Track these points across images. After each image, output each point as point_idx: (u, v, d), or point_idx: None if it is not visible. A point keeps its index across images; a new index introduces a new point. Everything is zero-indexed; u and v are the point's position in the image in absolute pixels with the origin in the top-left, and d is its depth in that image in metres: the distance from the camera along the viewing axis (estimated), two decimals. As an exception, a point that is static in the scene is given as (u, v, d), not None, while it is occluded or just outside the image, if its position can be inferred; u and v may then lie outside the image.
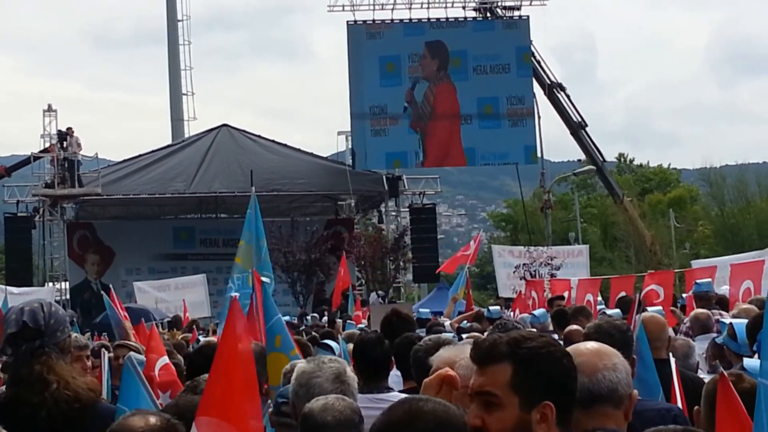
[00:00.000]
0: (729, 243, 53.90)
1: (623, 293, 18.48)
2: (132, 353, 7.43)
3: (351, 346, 9.18)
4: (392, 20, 49.46)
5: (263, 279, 12.81)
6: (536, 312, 16.66)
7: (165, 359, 8.67)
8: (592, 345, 4.61)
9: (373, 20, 49.48)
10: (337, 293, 26.37)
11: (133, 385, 4.92)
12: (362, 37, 49.35)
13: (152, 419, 3.97)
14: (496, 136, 48.87)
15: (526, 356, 3.54)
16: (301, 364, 6.09)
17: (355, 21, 49.53)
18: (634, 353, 6.44)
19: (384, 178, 48.65)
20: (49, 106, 48.24)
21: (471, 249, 27.75)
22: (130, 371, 4.92)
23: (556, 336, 12.79)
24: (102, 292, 16.94)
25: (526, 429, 3.49)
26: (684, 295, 17.62)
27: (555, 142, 79.89)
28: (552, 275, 32.24)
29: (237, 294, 4.56)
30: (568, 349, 4.39)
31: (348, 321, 21.83)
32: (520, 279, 33.33)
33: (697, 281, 15.35)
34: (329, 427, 4.86)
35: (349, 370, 6.09)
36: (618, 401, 4.31)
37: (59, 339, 5.29)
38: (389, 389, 7.57)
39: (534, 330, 11.43)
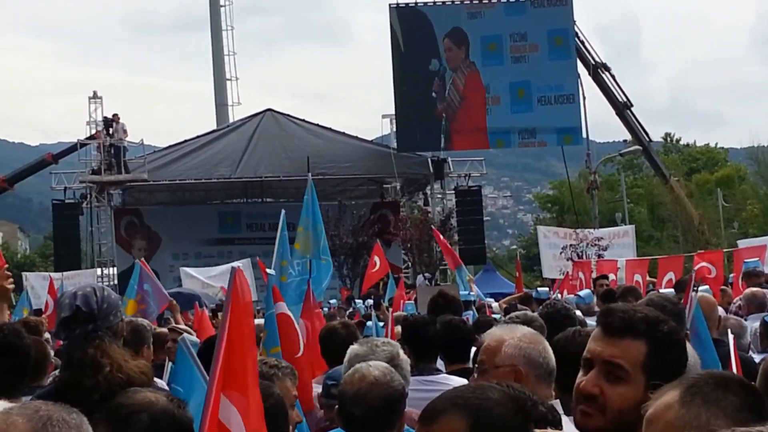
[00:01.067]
0: (778, 222, 53.56)
1: (671, 273, 18.39)
2: (186, 335, 7.45)
3: (399, 328, 9.16)
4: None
5: (323, 260, 12.95)
6: (581, 293, 16.59)
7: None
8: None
9: (416, 2, 49.38)
10: (369, 281, 26.20)
11: (187, 366, 4.93)
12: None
13: (160, 395, 4.06)
14: (528, 119, 48.78)
15: (662, 338, 3.54)
16: (354, 346, 6.12)
17: (398, 3, 49.42)
18: (689, 331, 6.40)
19: (429, 160, 48.59)
20: (95, 92, 48.53)
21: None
22: (184, 352, 4.93)
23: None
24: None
25: (641, 410, 3.37)
26: (732, 275, 17.50)
27: (600, 122, 79.39)
28: (599, 256, 32.07)
29: (239, 266, 4.50)
30: None
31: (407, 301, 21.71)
32: (567, 260, 33.20)
33: (746, 260, 15.26)
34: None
35: (402, 353, 6.10)
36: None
37: (112, 323, 5.31)
38: (438, 371, 7.57)
39: (578, 312, 11.47)
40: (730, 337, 6.74)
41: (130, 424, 3.86)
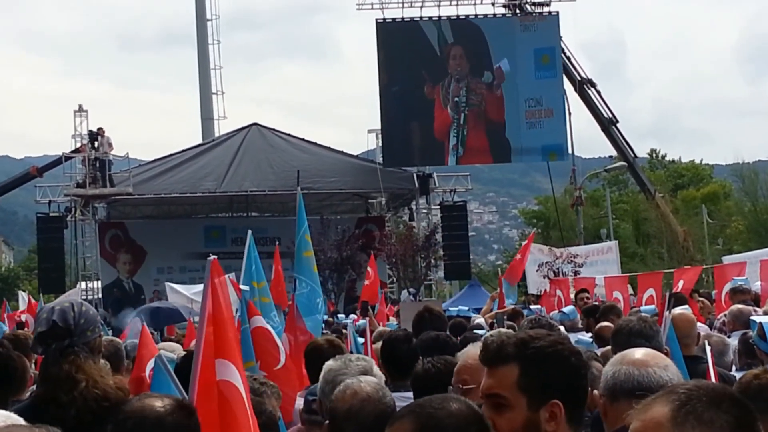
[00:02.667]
0: (762, 238, 53.60)
1: (651, 290, 18.43)
2: (162, 351, 7.44)
3: (379, 344, 9.16)
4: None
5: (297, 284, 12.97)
6: (565, 309, 16.60)
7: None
8: (645, 350, 4.69)
9: (402, 18, 49.47)
10: (370, 289, 26.24)
11: (164, 381, 4.95)
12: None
13: (167, 400, 4.02)
14: (516, 135, 48.95)
15: (533, 356, 3.57)
16: (329, 362, 6.13)
17: (384, 19, 49.49)
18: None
19: (414, 175, 48.65)
20: (80, 106, 48.42)
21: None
22: (161, 369, 4.94)
23: (587, 333, 12.78)
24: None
25: (535, 428, 3.51)
26: (714, 292, 17.57)
27: (586, 138, 79.61)
28: (576, 273, 32.22)
29: (215, 258, 4.79)
30: (618, 355, 4.43)
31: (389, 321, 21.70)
32: (543, 277, 33.34)
33: (735, 278, 15.29)
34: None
35: (376, 369, 6.11)
36: None
37: (89, 339, 5.31)
38: (415, 388, 7.55)
39: (561, 327, 11.49)
40: (708, 353, 6.76)
41: (120, 429, 3.89)
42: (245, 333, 8.39)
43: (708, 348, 7.08)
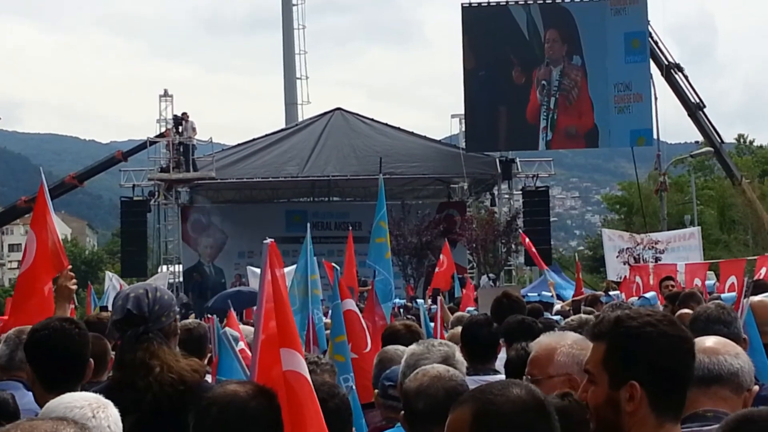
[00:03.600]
0: None
1: (733, 277, 18.18)
2: (227, 329, 7.50)
3: (459, 329, 9.14)
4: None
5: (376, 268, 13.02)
6: (647, 295, 16.47)
7: (241, 344, 8.77)
8: (716, 338, 4.65)
9: (488, 2, 49.27)
10: (436, 279, 26.26)
11: (227, 359, 4.99)
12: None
13: (248, 385, 4.07)
14: (604, 120, 48.59)
15: (621, 335, 3.60)
16: (411, 346, 6.15)
17: (470, 3, 49.29)
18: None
19: (497, 161, 48.44)
20: (165, 91, 49.01)
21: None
22: (225, 346, 4.98)
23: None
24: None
25: (615, 407, 3.56)
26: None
27: (672, 123, 78.84)
28: (657, 259, 31.96)
29: (272, 240, 4.83)
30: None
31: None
32: (624, 264, 33.12)
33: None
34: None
35: (458, 354, 6.12)
36: (737, 387, 4.30)
37: (164, 324, 5.37)
38: (495, 372, 7.54)
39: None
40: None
41: (204, 416, 3.94)
42: (336, 309, 8.47)
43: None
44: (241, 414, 3.89)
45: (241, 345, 8.75)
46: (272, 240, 4.81)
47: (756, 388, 4.35)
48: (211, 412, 3.91)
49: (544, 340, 5.04)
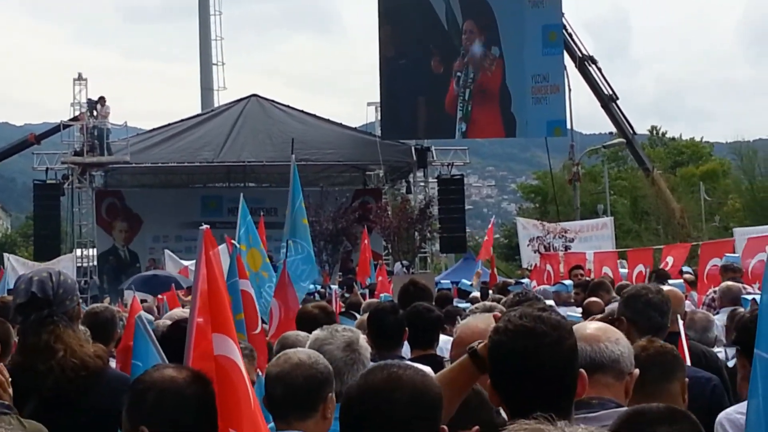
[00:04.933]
0: (758, 216, 53.57)
1: (641, 266, 18.49)
2: (142, 313, 7.48)
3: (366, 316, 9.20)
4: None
5: (289, 243, 13.04)
6: (566, 282, 16.67)
7: None
8: (597, 324, 4.69)
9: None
10: (364, 265, 26.37)
11: (143, 343, 5.00)
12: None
13: (183, 371, 4.07)
14: (522, 110, 48.90)
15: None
16: (316, 331, 6.15)
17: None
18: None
19: (413, 148, 48.56)
20: (80, 74, 48.39)
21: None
22: (141, 329, 4.98)
23: (578, 308, 12.84)
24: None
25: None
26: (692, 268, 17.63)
27: (586, 114, 79.57)
28: (566, 247, 32.33)
29: (207, 227, 4.79)
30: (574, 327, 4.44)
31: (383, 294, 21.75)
32: (534, 252, 33.46)
33: (727, 255, 15.33)
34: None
35: (362, 339, 6.12)
36: (619, 373, 4.35)
37: (68, 308, 5.35)
38: (402, 358, 7.58)
39: (549, 302, 11.57)
40: (681, 327, 6.84)
41: (140, 401, 3.90)
42: (234, 287, 8.44)
43: (681, 323, 7.15)
44: (178, 399, 3.88)
45: None
46: (207, 226, 4.81)
47: (637, 371, 4.43)
48: (148, 396, 3.88)
49: (472, 321, 5.11)
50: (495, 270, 24.89)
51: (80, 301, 5.60)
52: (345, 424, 3.45)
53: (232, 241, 9.85)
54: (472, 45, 49.17)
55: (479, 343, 4.08)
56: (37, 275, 5.36)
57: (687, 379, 5.31)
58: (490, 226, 30.89)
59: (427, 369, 5.60)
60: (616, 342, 4.40)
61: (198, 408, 3.93)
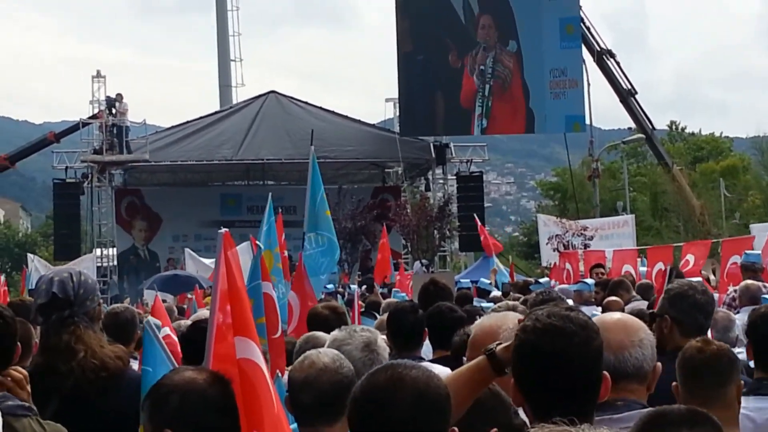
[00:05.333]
0: (778, 213, 53.45)
1: (661, 264, 18.39)
2: (150, 318, 7.47)
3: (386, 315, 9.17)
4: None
5: (309, 236, 13.00)
6: (588, 280, 16.60)
7: (166, 330, 8.70)
8: (618, 317, 4.60)
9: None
10: (382, 264, 26.34)
11: (152, 347, 4.99)
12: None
13: (203, 372, 4.04)
14: (540, 106, 48.79)
15: None
16: (334, 332, 6.14)
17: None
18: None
19: (431, 145, 48.50)
20: (98, 72, 48.47)
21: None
22: (150, 335, 4.98)
23: (598, 307, 12.80)
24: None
25: None
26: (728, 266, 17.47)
27: (605, 109, 79.41)
28: (585, 245, 32.20)
29: (227, 230, 4.80)
30: (596, 319, 4.40)
31: (394, 289, 21.74)
32: (553, 250, 33.36)
33: (746, 252, 15.18)
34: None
35: (380, 340, 6.10)
36: (643, 377, 4.33)
37: (88, 308, 5.37)
38: (421, 359, 7.55)
39: (569, 301, 11.54)
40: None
41: (163, 404, 3.87)
42: (257, 289, 8.38)
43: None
44: (200, 400, 3.84)
45: (167, 331, 8.70)
46: (227, 230, 4.80)
47: (659, 365, 4.39)
48: (171, 399, 3.84)
49: (486, 321, 5.06)
50: (513, 268, 24.86)
51: (101, 301, 5.60)
52: (351, 425, 3.44)
53: (257, 243, 9.81)
54: (489, 39, 49.05)
55: (497, 344, 4.07)
56: (58, 275, 5.37)
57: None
58: (479, 225, 30.91)
59: (446, 370, 5.60)
60: (640, 345, 4.34)
61: (220, 408, 3.92)
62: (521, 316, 4.56)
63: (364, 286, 25.92)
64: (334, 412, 4.74)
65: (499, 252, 28.97)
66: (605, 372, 3.74)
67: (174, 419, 3.83)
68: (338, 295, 22.48)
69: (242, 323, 4.50)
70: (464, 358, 4.98)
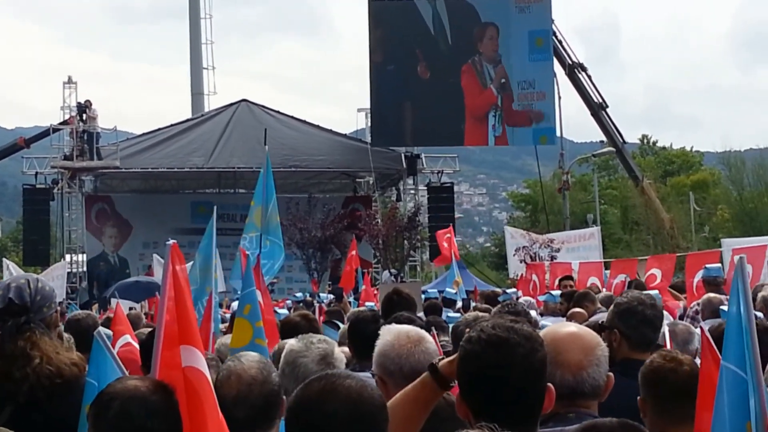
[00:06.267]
0: (747, 227, 53.70)
1: (623, 276, 18.49)
2: (101, 328, 7.47)
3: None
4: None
5: (251, 236, 12.98)
6: (554, 292, 16.69)
7: (127, 338, 8.70)
8: (572, 331, 4.55)
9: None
10: (347, 276, 26.37)
11: (102, 358, 4.99)
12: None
13: (146, 380, 4.07)
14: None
15: None
16: (291, 341, 6.13)
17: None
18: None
19: (402, 156, 48.57)
20: (69, 77, 48.36)
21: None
22: (99, 345, 4.98)
23: (563, 317, 12.88)
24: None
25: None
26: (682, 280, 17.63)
27: (577, 122, 79.73)
28: (552, 258, 32.34)
29: (174, 242, 4.80)
30: (546, 331, 4.41)
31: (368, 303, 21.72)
32: (520, 262, 33.48)
33: (707, 266, 15.29)
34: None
35: (337, 351, 6.10)
36: (599, 394, 4.35)
37: (45, 315, 5.34)
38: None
39: (533, 312, 11.60)
40: (667, 340, 6.84)
41: (105, 411, 3.88)
42: (252, 294, 8.37)
43: (667, 337, 7.15)
44: (142, 408, 3.87)
45: (127, 338, 8.69)
46: (174, 241, 4.83)
47: (611, 375, 4.39)
48: (113, 405, 3.87)
49: (386, 337, 5.10)
50: (475, 278, 24.96)
51: (58, 308, 5.60)
52: None
53: (247, 253, 9.81)
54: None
55: (440, 359, 4.09)
56: (15, 282, 5.35)
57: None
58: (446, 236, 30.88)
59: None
60: (597, 363, 4.34)
61: (163, 415, 3.94)
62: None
63: (332, 296, 25.96)
64: (268, 419, 4.79)
65: (447, 263, 28.98)
66: (549, 384, 3.76)
67: (116, 426, 3.86)
68: (304, 304, 22.47)
69: (188, 331, 4.51)
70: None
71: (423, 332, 5.12)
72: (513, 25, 48.64)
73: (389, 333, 5.10)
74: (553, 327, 4.64)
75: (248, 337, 7.86)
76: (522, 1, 48.78)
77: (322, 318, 12.22)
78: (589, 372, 4.30)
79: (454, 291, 21.09)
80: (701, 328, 4.56)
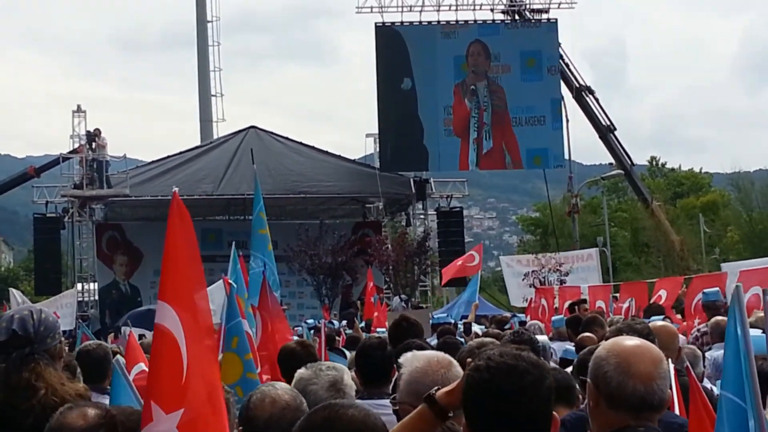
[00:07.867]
0: (757, 249, 53.54)
1: (632, 299, 18.43)
2: (118, 357, 7.45)
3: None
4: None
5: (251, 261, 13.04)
6: (555, 318, 16.67)
7: (141, 365, 8.69)
8: (638, 343, 4.51)
9: (401, 22, 49.57)
10: (369, 308, 26.34)
11: (122, 387, 4.99)
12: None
13: (91, 412, 4.09)
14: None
15: None
16: (300, 370, 6.13)
17: (383, 23, 49.57)
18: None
19: (411, 180, 48.59)
20: (78, 106, 48.51)
21: (476, 260, 27.70)
22: (119, 374, 4.98)
23: (570, 342, 12.81)
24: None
25: None
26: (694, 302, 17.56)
27: (586, 145, 79.69)
28: (561, 281, 32.30)
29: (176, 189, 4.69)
30: (611, 343, 4.40)
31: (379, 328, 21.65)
32: (530, 287, 33.42)
33: (705, 291, 15.26)
34: None
35: (347, 377, 6.10)
36: (663, 408, 4.42)
37: (49, 345, 5.33)
38: (389, 395, 7.52)
39: (543, 337, 11.56)
40: (671, 366, 6.78)
41: None
42: (239, 326, 8.32)
43: (687, 362, 7.11)
44: None
45: (141, 366, 8.67)
46: (176, 189, 4.74)
47: (670, 392, 4.43)
48: None
49: (413, 363, 5.09)
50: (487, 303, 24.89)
51: (62, 339, 5.60)
52: None
53: (230, 282, 9.75)
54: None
55: (437, 389, 4.08)
56: (18, 313, 5.35)
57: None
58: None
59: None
60: (665, 377, 4.36)
61: None
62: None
63: (344, 321, 25.91)
64: None
65: (465, 275, 28.90)
66: (555, 413, 3.75)
67: None
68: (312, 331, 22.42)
69: (169, 286, 4.42)
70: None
71: (449, 357, 5.11)
72: (513, 48, 48.96)
73: (418, 360, 5.07)
74: (618, 339, 4.63)
75: (239, 372, 7.82)
76: (526, 26, 49.17)
77: (342, 343, 12.07)
78: (659, 384, 4.30)
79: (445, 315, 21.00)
80: (688, 368, 4.54)
